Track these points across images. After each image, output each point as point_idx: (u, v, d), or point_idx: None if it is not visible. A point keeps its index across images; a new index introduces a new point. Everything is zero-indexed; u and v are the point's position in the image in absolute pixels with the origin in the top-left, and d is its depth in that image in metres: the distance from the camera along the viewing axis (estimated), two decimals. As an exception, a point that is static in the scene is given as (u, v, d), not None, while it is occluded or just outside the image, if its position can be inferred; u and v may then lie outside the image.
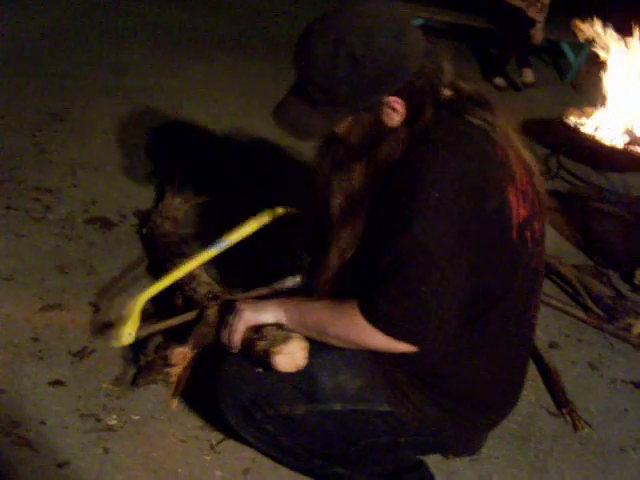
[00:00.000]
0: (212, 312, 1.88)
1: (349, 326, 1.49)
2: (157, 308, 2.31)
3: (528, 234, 1.53)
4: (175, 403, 1.86)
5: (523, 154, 1.55)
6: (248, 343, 1.64)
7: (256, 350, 1.60)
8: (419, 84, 1.44)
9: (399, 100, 1.44)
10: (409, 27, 1.45)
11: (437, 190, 1.38)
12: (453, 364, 1.59)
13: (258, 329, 1.63)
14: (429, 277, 1.38)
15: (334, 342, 1.56)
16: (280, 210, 2.07)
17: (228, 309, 1.73)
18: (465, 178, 1.40)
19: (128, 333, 1.89)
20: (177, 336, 1.94)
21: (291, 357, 1.55)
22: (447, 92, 1.51)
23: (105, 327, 2.23)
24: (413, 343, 1.43)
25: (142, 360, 2.04)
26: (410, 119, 1.47)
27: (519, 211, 1.49)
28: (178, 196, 2.91)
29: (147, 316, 2.30)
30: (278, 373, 1.57)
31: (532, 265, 1.58)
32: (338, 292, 1.59)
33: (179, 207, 2.86)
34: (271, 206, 2.11)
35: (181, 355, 1.82)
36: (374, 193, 1.50)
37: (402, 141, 1.47)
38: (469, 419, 1.67)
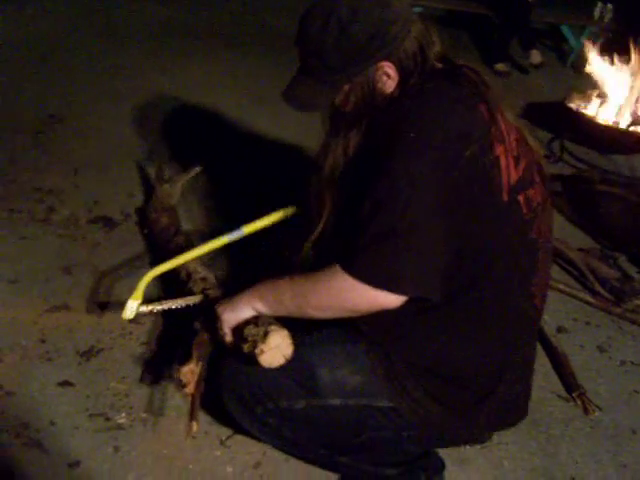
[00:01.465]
0: (199, 321, 1.87)
1: (328, 286, 1.47)
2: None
3: (522, 199, 1.50)
4: (195, 427, 1.66)
5: (517, 125, 1.57)
6: (236, 347, 1.63)
7: (244, 354, 1.58)
8: (408, 49, 1.51)
9: (391, 65, 1.51)
10: None
11: (414, 132, 1.39)
12: (449, 348, 1.56)
13: (240, 330, 1.62)
14: (404, 215, 1.37)
15: (316, 313, 1.53)
16: (293, 209, 2.08)
17: (212, 316, 1.73)
18: (444, 123, 1.41)
19: (130, 307, 1.97)
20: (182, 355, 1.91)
21: (276, 351, 1.53)
22: (438, 64, 1.55)
23: (111, 326, 2.24)
24: (394, 288, 1.40)
25: (149, 356, 2.05)
26: (402, 84, 1.52)
27: (510, 172, 1.47)
28: (166, 182, 2.92)
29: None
30: (277, 367, 1.57)
31: (532, 235, 1.54)
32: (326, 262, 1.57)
33: (170, 194, 2.85)
34: (279, 204, 2.11)
35: (189, 373, 1.79)
36: (363, 150, 1.56)
37: (392, 101, 1.53)
38: (472, 415, 1.62)
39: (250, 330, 1.59)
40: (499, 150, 1.45)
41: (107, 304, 2.37)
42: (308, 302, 1.52)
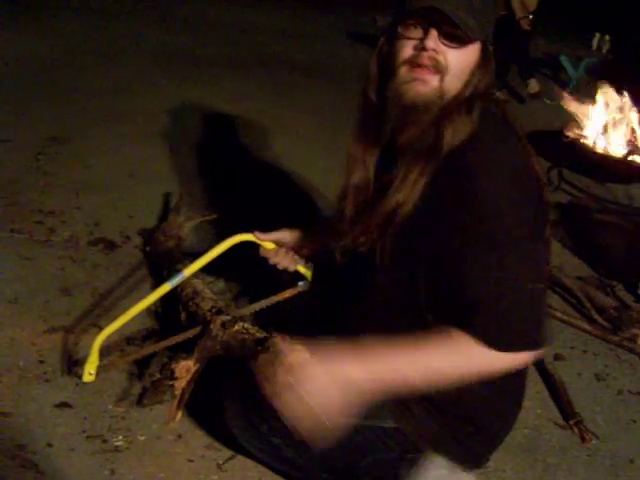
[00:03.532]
0: (215, 326, 1.89)
1: (472, 361, 1.43)
2: (161, 324, 2.34)
3: (549, 243, 1.55)
4: (179, 416, 1.85)
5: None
6: (252, 355, 1.64)
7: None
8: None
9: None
10: None
11: (510, 206, 1.39)
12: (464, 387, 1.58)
13: (262, 341, 1.64)
14: (533, 279, 1.41)
15: (447, 382, 1.47)
16: (244, 236, 1.96)
17: (281, 369, 1.38)
18: (529, 194, 1.43)
19: (89, 372, 2.00)
20: (182, 350, 1.97)
21: None
22: (493, 90, 1.53)
23: (110, 348, 2.23)
24: (534, 348, 1.44)
25: (147, 380, 2.05)
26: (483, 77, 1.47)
27: (546, 220, 1.52)
28: (181, 215, 2.93)
29: (151, 333, 2.33)
30: None
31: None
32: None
33: (182, 225, 2.87)
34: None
35: (185, 368, 1.83)
36: (433, 172, 1.44)
37: (467, 120, 1.44)
38: (471, 439, 1.64)
39: (274, 342, 1.61)
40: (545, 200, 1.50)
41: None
42: (445, 375, 1.46)
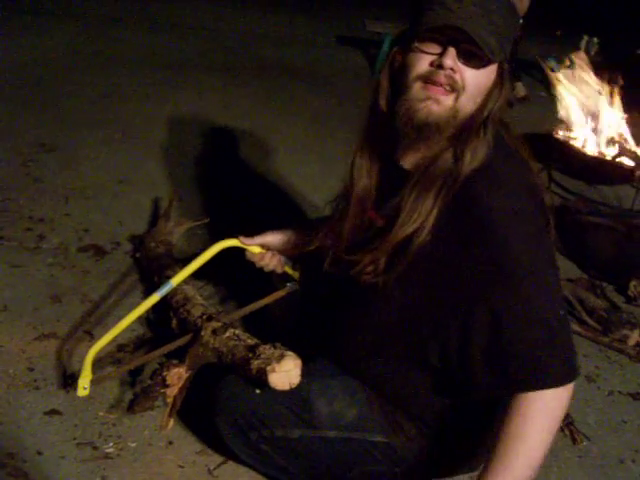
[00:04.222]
0: (206, 333, 1.89)
1: (556, 406, 1.43)
2: (153, 331, 2.34)
3: None
4: (170, 424, 1.87)
5: None
6: (243, 362, 1.65)
7: (251, 369, 1.60)
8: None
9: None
10: None
11: (534, 251, 1.40)
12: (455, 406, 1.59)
13: (253, 348, 1.64)
14: (561, 304, 1.43)
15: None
16: (229, 242, 1.96)
17: None
18: (536, 213, 1.45)
19: (82, 387, 2.00)
20: (174, 357, 1.96)
21: (285, 375, 1.57)
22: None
23: (100, 355, 2.23)
24: (578, 372, 1.44)
25: (138, 387, 2.05)
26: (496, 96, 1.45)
27: None
28: (171, 220, 2.92)
29: (142, 341, 2.32)
30: (275, 395, 1.58)
31: None
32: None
33: (172, 231, 2.87)
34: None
35: (177, 376, 1.83)
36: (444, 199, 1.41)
37: (484, 144, 1.43)
38: (462, 456, 1.66)
39: (266, 349, 1.63)
40: None
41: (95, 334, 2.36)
42: (553, 434, 1.46)
